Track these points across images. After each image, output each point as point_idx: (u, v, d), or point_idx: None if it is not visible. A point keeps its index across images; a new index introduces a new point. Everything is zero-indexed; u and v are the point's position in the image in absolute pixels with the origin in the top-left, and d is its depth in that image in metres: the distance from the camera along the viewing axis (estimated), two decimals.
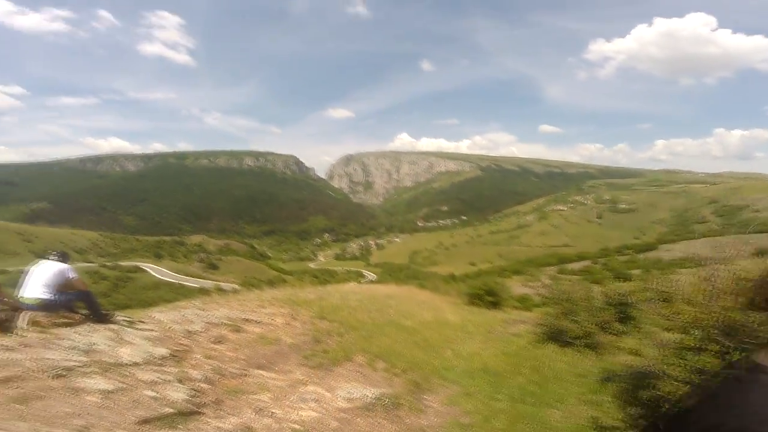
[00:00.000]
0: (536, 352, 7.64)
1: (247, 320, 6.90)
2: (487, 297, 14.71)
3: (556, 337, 8.11)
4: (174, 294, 66.77)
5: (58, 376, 3.88)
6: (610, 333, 8.51)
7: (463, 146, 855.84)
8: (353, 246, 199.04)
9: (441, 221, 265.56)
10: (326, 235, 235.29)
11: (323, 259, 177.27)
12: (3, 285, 6.61)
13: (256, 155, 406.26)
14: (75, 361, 4.30)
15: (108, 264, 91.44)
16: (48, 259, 6.15)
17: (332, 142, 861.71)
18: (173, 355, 4.78)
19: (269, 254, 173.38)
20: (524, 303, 18.81)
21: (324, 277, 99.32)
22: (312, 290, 13.17)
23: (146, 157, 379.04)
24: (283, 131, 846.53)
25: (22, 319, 5.85)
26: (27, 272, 6.13)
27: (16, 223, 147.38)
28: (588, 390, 5.94)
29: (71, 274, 5.99)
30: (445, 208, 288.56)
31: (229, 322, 6.60)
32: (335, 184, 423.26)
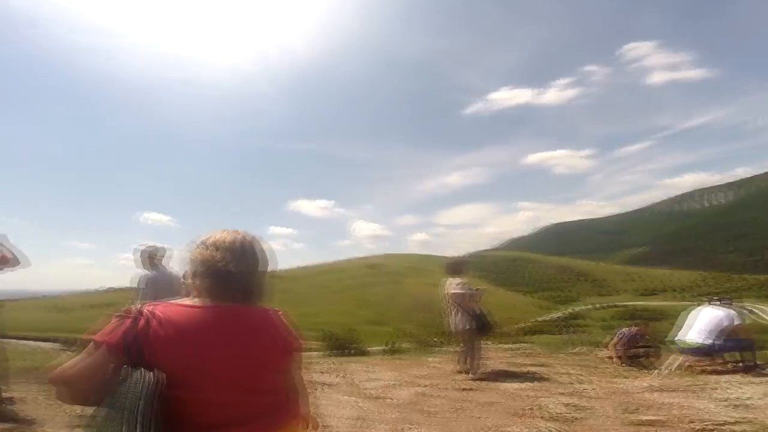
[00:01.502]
0: None
1: None
2: None
3: None
4: None
5: (703, 430, 3.70)
6: None
7: None
8: None
9: None
10: None
11: None
12: (648, 324, 7.57)
13: None
14: (726, 416, 4.02)
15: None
16: (710, 304, 6.31)
17: None
18: None
19: None
20: None
21: None
22: None
23: (732, 185, 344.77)
24: None
25: (672, 362, 6.12)
26: (688, 316, 6.37)
27: (620, 266, 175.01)
28: None
29: (737, 321, 5.96)
30: None
31: None
32: None
